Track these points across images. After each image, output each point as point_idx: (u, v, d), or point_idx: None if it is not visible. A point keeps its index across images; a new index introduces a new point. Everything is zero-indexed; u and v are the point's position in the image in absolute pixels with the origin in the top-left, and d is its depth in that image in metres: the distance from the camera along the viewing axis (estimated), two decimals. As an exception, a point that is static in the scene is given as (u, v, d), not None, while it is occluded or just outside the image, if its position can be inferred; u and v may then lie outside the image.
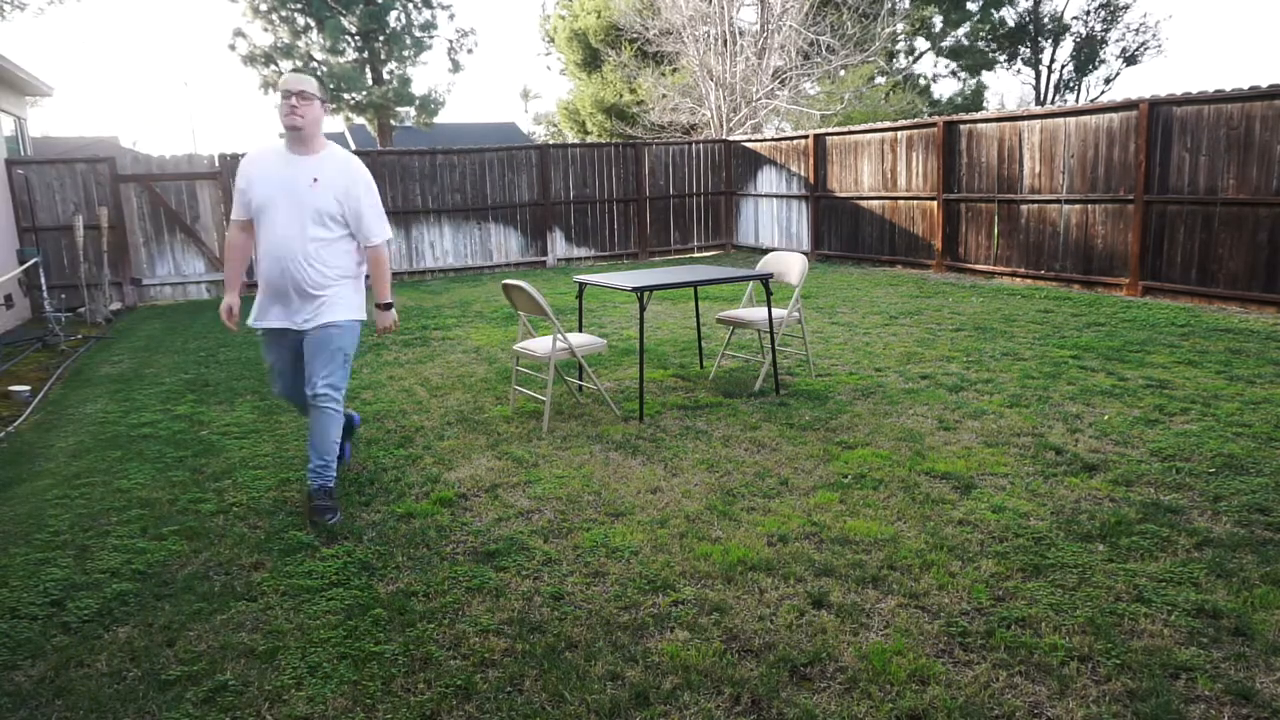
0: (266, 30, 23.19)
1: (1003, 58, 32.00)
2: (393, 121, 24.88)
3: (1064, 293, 9.60)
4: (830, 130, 13.66)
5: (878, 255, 12.76)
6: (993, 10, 30.33)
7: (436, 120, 25.36)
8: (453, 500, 4.16)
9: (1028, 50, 32.04)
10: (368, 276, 4.15)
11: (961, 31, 30.68)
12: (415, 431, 5.32)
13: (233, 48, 23.01)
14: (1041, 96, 32.00)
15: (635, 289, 5.33)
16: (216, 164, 12.67)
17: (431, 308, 10.49)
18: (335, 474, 4.11)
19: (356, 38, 23.85)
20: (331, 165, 3.96)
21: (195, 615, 3.17)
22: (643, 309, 5.47)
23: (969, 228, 11.27)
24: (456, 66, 25.90)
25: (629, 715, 2.49)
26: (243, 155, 12.77)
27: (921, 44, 30.95)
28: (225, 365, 7.64)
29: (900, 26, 27.84)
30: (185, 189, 12.57)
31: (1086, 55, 31.42)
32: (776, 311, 5.98)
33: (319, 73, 23.36)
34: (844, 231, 13.42)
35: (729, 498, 4.03)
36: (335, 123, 32.31)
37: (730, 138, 15.97)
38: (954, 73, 31.89)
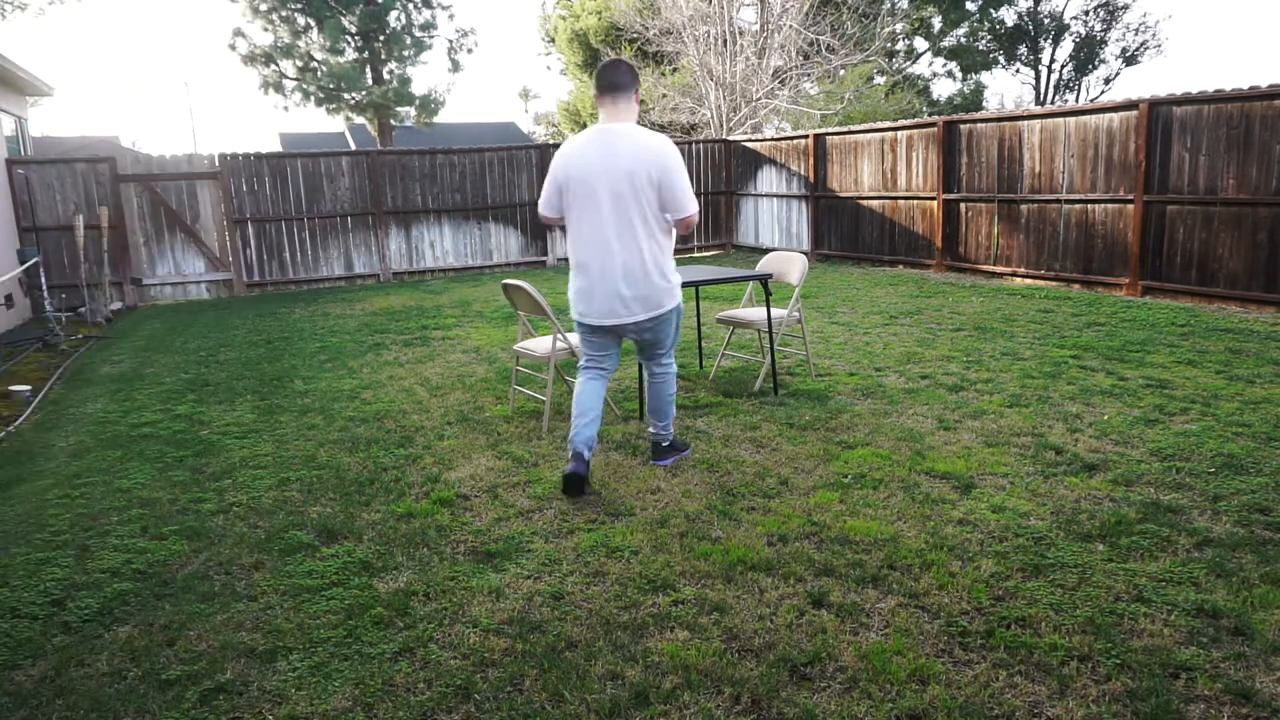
0: (266, 30, 23.18)
1: (1002, 58, 31.99)
2: (393, 121, 24.87)
3: (1064, 292, 9.61)
4: (830, 130, 13.67)
5: (878, 255, 12.76)
6: (992, 10, 30.33)
7: (436, 120, 25.35)
8: (453, 500, 4.16)
9: (1027, 50, 32.04)
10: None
11: (961, 31, 30.69)
12: (415, 431, 5.32)
13: (233, 47, 23.00)
14: (1041, 96, 32.00)
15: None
16: (216, 164, 12.67)
17: (431, 308, 10.49)
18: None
19: (356, 37, 23.84)
20: None
21: (195, 615, 3.17)
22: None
23: (969, 227, 11.27)
24: (456, 66, 25.89)
25: (629, 715, 2.49)
26: (241, 155, 12.78)
27: (921, 44, 30.97)
28: (225, 365, 7.64)
29: (899, 26, 27.84)
30: (185, 189, 12.57)
31: (1086, 55, 31.42)
32: (776, 311, 5.98)
33: (319, 72, 23.36)
34: (844, 231, 13.42)
35: (729, 497, 4.04)
36: (335, 122, 32.34)
37: (730, 137, 15.97)
38: (952, 73, 31.90)
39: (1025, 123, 10.33)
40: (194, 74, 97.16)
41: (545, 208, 4.22)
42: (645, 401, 4.88)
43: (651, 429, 4.55)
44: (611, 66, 4.04)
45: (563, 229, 4.45)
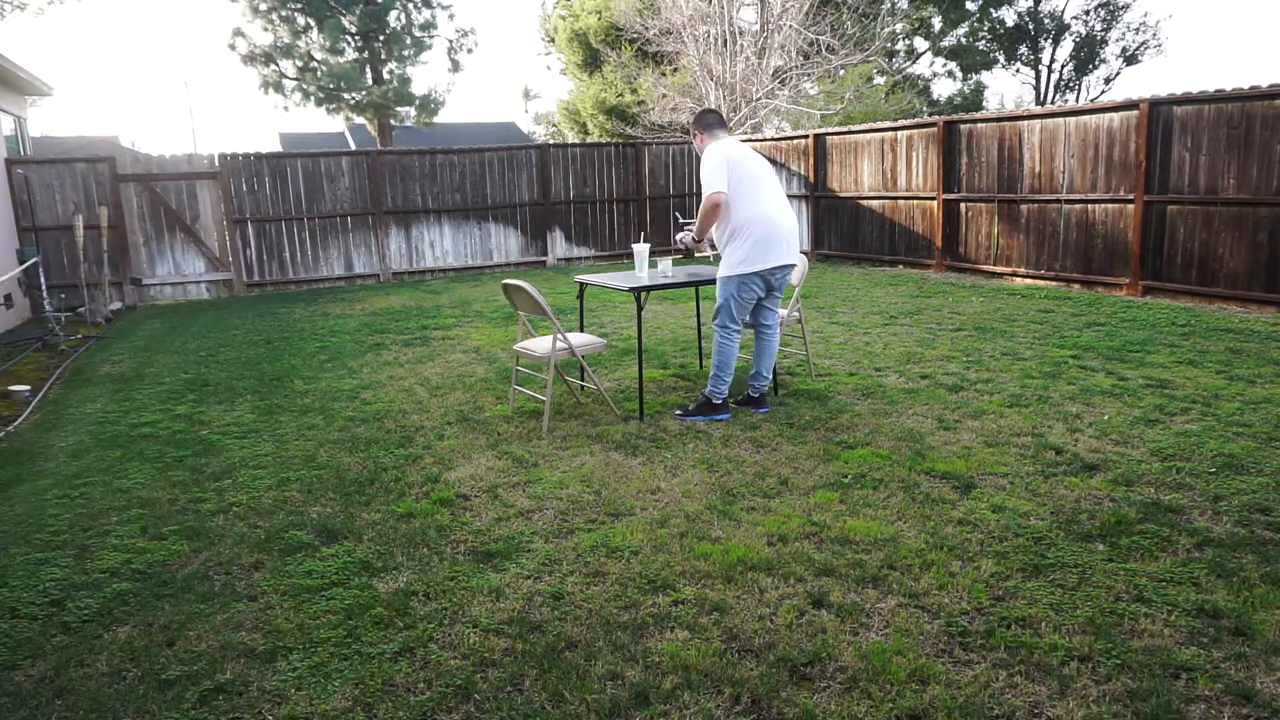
0: (266, 30, 23.18)
1: (1002, 58, 31.98)
2: (393, 121, 24.87)
3: (1064, 292, 9.60)
4: (830, 130, 13.67)
5: (878, 255, 12.76)
6: (992, 10, 30.32)
7: (436, 120, 25.35)
8: (453, 500, 4.16)
9: (1027, 50, 32.03)
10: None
11: (961, 31, 30.68)
12: (415, 431, 5.32)
13: (233, 47, 22.99)
14: (1041, 96, 32.00)
15: (632, 289, 5.34)
16: (216, 164, 12.67)
17: (431, 308, 10.49)
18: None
19: (356, 37, 23.83)
20: None
21: (195, 615, 3.17)
22: (640, 309, 5.48)
23: (969, 227, 11.27)
24: (456, 66, 25.88)
25: (629, 715, 2.49)
26: (241, 155, 12.78)
27: (921, 44, 30.96)
28: (225, 365, 7.64)
29: (899, 26, 27.85)
30: (185, 189, 12.57)
31: (1086, 55, 31.41)
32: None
33: (319, 72, 23.36)
34: (844, 231, 13.42)
35: (729, 497, 4.03)
36: (335, 122, 32.35)
37: (730, 137, 15.95)
38: (952, 73, 31.89)
39: (1025, 123, 10.33)
40: (194, 74, 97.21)
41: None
42: (762, 358, 5.43)
43: (764, 382, 5.41)
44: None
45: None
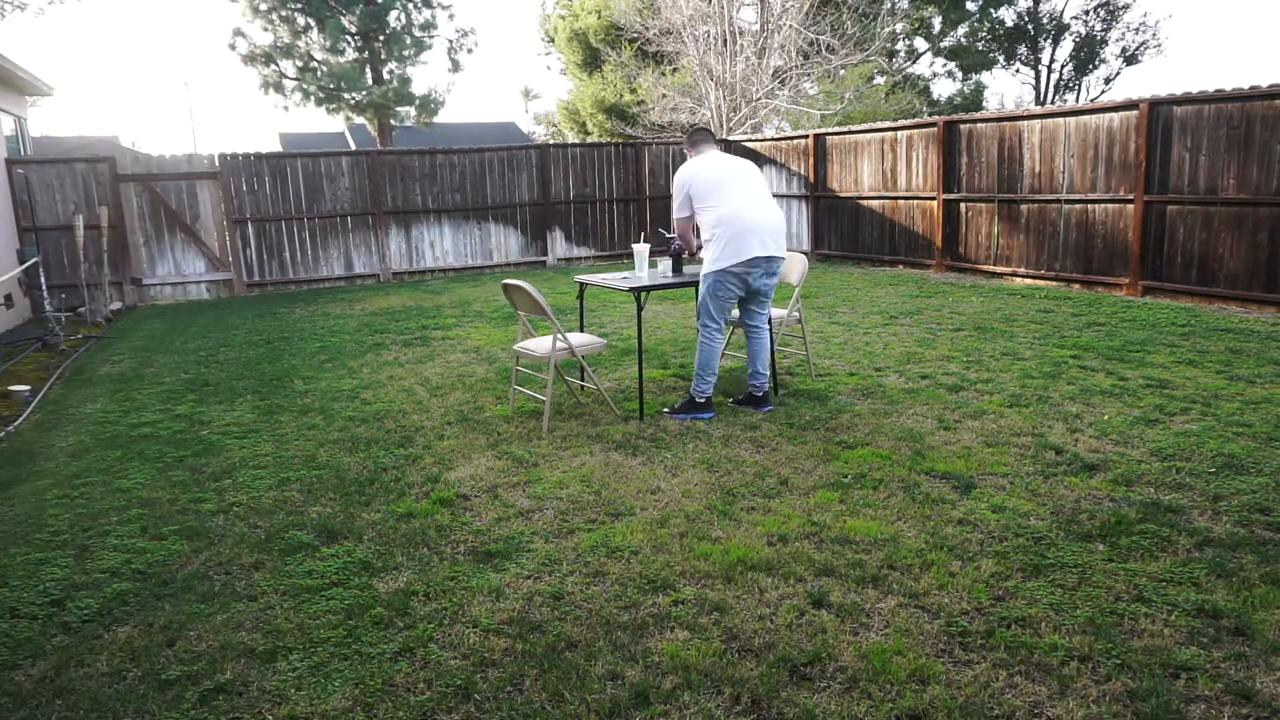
0: (266, 30, 23.18)
1: (1002, 58, 31.98)
2: (393, 121, 24.87)
3: (1064, 292, 9.60)
4: (830, 130, 13.66)
5: (878, 255, 12.75)
6: (992, 10, 30.32)
7: (436, 120, 25.35)
8: (453, 500, 4.16)
9: (1027, 50, 32.04)
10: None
11: (961, 31, 30.68)
12: (415, 431, 5.32)
13: (233, 47, 23.00)
14: (1041, 96, 32.00)
15: (632, 289, 5.34)
16: (216, 164, 12.67)
17: (431, 308, 10.49)
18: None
19: (356, 37, 23.84)
20: None
21: (195, 615, 3.17)
22: (640, 309, 5.48)
23: (969, 227, 11.27)
24: (456, 66, 25.89)
25: (629, 715, 2.49)
26: (241, 155, 12.78)
27: (921, 44, 30.97)
28: (225, 365, 7.64)
29: (899, 26, 27.86)
30: (185, 189, 12.57)
31: (1086, 55, 31.42)
32: (776, 311, 5.98)
33: (319, 72, 23.36)
34: (844, 231, 13.42)
35: (729, 497, 4.03)
36: (335, 122, 32.37)
37: (730, 137, 15.96)
38: (952, 73, 31.89)
39: (1025, 123, 10.33)
40: (194, 74, 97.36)
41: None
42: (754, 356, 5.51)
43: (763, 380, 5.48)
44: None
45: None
